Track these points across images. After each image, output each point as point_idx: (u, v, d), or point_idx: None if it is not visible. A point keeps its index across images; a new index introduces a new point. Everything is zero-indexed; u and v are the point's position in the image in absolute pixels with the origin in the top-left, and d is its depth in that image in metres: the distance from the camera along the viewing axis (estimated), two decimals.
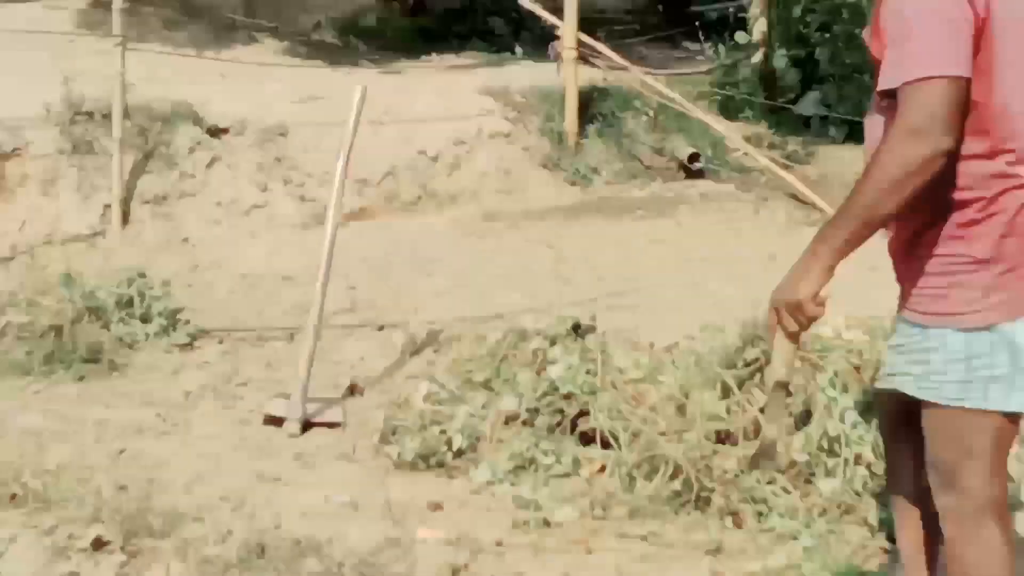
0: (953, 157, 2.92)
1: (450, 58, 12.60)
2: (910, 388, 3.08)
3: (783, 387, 3.24)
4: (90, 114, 8.15)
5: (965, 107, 2.92)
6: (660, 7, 16.63)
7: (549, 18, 11.07)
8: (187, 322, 6.74)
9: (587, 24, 10.89)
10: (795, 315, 3.00)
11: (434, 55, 12.77)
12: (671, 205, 9.70)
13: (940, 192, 2.97)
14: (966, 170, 2.99)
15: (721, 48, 12.07)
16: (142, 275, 6.70)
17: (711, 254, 8.43)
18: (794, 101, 11.38)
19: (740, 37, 11.89)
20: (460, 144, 9.56)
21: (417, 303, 7.26)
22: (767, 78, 11.53)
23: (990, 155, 3.00)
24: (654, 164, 10.32)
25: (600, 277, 7.81)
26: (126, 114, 8.15)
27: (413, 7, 14.61)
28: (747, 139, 10.63)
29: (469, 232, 8.81)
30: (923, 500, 3.22)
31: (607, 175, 9.95)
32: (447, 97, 10.10)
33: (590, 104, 10.43)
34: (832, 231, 2.97)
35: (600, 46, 10.78)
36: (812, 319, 3.01)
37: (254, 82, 10.42)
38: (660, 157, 10.41)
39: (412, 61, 12.35)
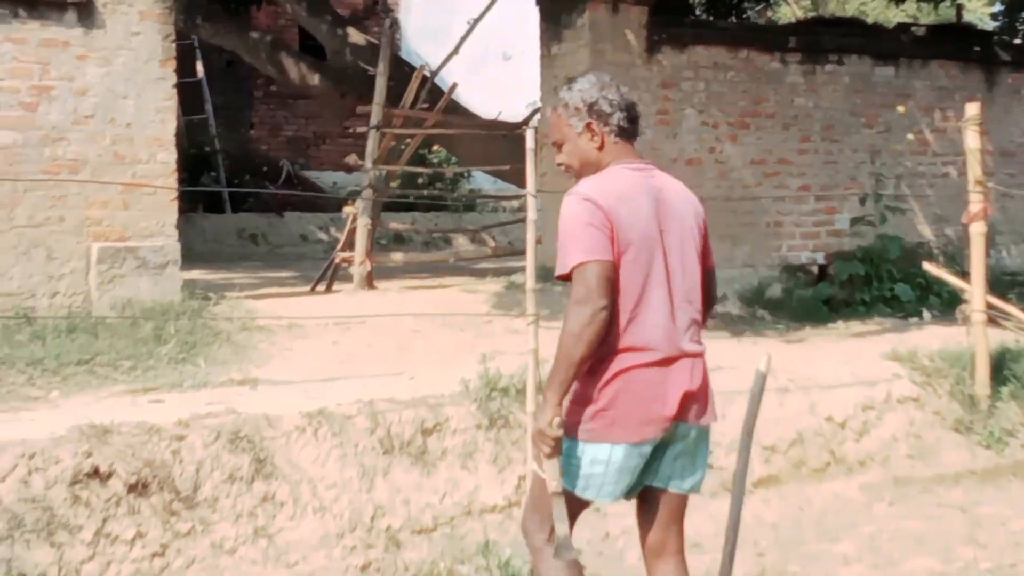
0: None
1: (855, 325, 12.60)
2: None
3: (561, 495, 4.71)
4: (505, 390, 8.48)
5: (612, 279, 4.58)
6: None
7: (956, 282, 10.94)
8: None
9: (996, 286, 10.73)
10: (544, 440, 4.62)
11: (839, 322, 12.81)
12: None
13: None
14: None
15: None
16: None
17: None
18: None
19: None
20: (868, 409, 9.48)
21: (827, 570, 7.18)
22: None
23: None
24: None
25: (1018, 543, 7.54)
26: (539, 388, 8.46)
27: (818, 276, 14.73)
28: None
29: (879, 498, 8.67)
30: None
31: (1023, 438, 9.66)
32: (853, 363, 10.07)
33: (1002, 366, 10.18)
34: (552, 378, 4.59)
35: (1011, 308, 10.56)
36: (556, 439, 4.61)
37: None
38: None
39: (816, 329, 12.42)
